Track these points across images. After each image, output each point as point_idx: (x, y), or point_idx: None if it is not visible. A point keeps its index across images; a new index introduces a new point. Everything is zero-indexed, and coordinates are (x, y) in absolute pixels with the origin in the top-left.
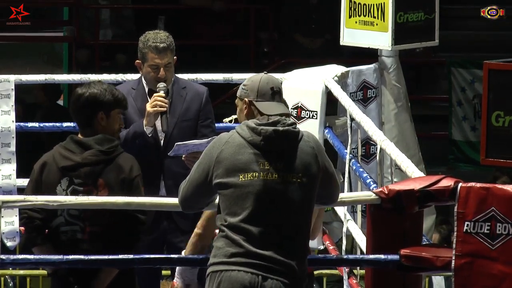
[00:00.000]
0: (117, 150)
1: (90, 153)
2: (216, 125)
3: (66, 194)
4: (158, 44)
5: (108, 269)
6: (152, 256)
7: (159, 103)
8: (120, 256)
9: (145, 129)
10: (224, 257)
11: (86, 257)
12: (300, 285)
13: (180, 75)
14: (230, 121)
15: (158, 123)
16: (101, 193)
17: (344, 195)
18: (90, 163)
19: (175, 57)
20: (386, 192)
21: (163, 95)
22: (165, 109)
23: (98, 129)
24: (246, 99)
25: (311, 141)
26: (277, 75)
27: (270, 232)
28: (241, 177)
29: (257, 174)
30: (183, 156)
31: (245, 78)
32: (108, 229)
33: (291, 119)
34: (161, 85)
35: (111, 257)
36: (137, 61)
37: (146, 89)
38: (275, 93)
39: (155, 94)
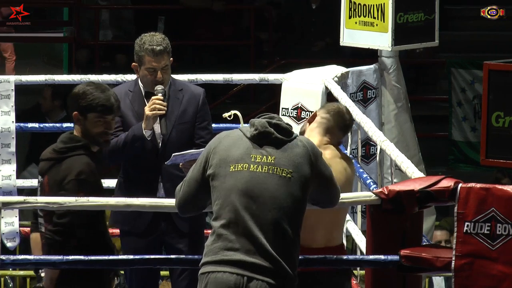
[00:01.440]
0: (71, 151)
1: (48, 150)
2: (214, 125)
3: (39, 185)
4: (154, 47)
5: (47, 270)
6: (151, 256)
7: (158, 106)
8: (120, 257)
9: (144, 133)
10: (211, 255)
11: (85, 258)
12: (288, 285)
13: (179, 76)
14: (230, 116)
15: (156, 126)
16: (47, 190)
17: (344, 196)
18: (43, 159)
19: (171, 59)
20: (386, 193)
21: (162, 98)
22: (163, 112)
23: (81, 128)
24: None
25: (306, 144)
26: (277, 76)
27: (257, 227)
28: (231, 167)
29: (247, 165)
30: (181, 164)
31: (244, 78)
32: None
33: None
34: (159, 87)
35: (110, 257)
36: (134, 63)
37: (143, 92)
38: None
39: (153, 97)
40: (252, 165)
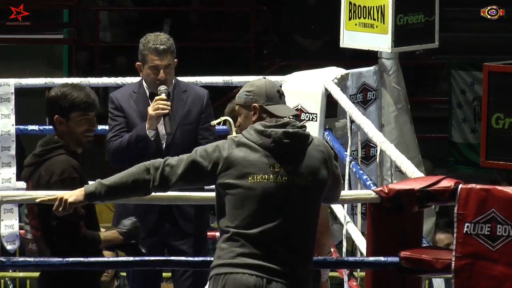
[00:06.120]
0: (50, 153)
1: (30, 155)
2: (216, 128)
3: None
4: (158, 46)
5: None
6: (152, 258)
7: (161, 106)
8: (120, 258)
9: (147, 133)
10: (229, 258)
11: (85, 259)
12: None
13: (180, 78)
14: (219, 123)
15: (160, 127)
16: None
17: (345, 193)
18: (26, 165)
19: (175, 60)
20: (386, 191)
21: (165, 97)
22: (167, 111)
23: (64, 130)
24: (256, 105)
25: (321, 145)
26: (277, 78)
27: (276, 234)
28: (250, 178)
29: (267, 176)
30: None
31: (244, 80)
32: (42, 232)
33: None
34: (163, 87)
35: (111, 259)
36: (138, 63)
37: (147, 93)
38: (282, 95)
39: (156, 97)
40: (272, 175)
